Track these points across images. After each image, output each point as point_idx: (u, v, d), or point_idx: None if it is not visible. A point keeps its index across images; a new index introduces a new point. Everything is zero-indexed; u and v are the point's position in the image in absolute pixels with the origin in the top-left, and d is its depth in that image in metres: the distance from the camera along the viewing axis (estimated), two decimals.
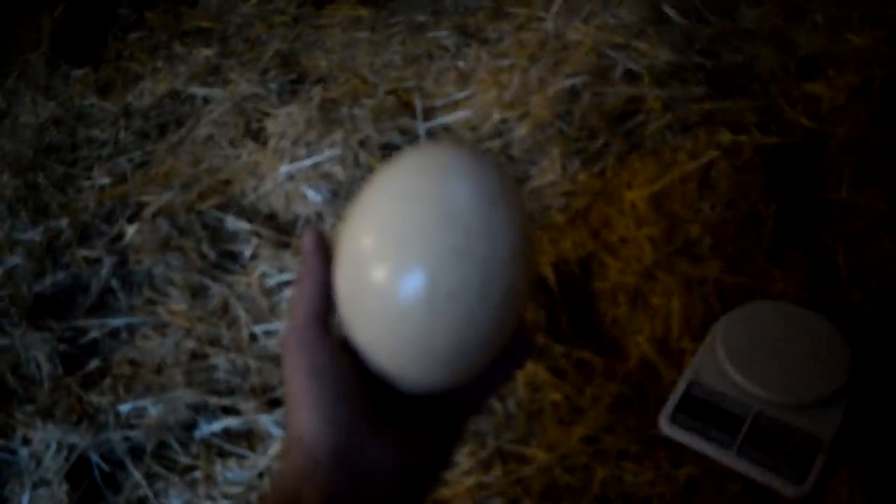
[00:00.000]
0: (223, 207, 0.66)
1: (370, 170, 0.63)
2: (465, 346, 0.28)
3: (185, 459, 0.50)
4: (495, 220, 0.28)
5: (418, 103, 0.73)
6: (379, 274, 0.28)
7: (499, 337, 0.29)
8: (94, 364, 0.55)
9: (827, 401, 0.47)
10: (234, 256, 0.62)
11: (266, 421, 0.50)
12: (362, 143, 0.69)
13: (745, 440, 0.46)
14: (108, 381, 0.54)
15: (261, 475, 0.48)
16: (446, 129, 0.70)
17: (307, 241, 0.31)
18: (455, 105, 0.72)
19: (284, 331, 0.30)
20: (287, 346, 0.29)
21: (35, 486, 0.48)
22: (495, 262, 0.28)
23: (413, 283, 0.28)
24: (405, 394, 0.30)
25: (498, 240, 0.28)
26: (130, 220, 0.65)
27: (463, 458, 0.48)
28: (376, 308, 0.28)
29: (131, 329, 0.57)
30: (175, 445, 0.50)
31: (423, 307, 0.27)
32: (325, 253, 0.30)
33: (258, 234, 0.63)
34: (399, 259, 0.28)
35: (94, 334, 0.57)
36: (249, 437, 0.50)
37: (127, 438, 0.51)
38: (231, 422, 0.51)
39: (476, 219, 0.28)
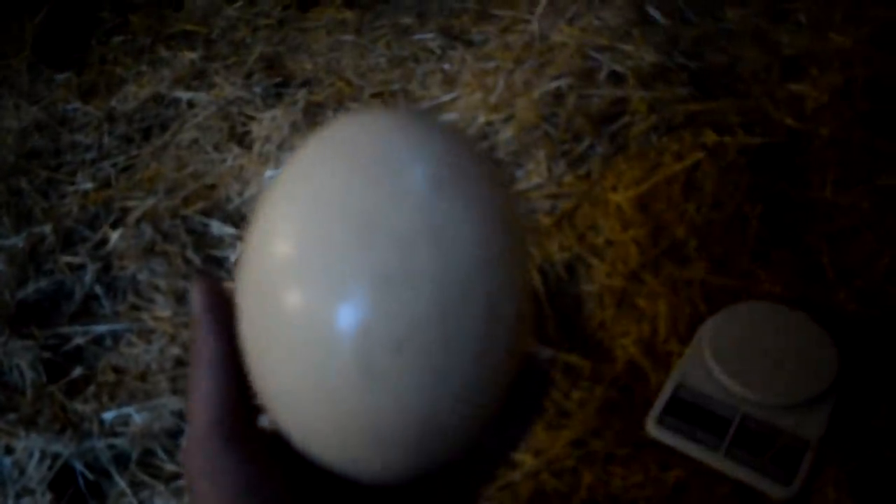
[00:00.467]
0: (208, 212, 0.65)
1: None
2: (432, 419, 0.19)
3: (170, 467, 0.49)
4: (452, 218, 0.19)
5: (403, 105, 0.73)
6: (284, 324, 0.19)
7: (488, 389, 0.20)
8: (77, 371, 0.55)
9: (814, 401, 0.47)
10: (219, 262, 0.62)
11: None
12: None
13: (732, 442, 0.46)
14: (92, 389, 0.54)
15: None
16: None
17: (195, 299, 0.23)
18: (440, 107, 0.72)
19: (185, 440, 0.24)
20: (186, 466, 0.21)
21: (18, 496, 0.48)
22: (458, 283, 0.19)
23: (333, 337, 0.19)
24: (371, 487, 0.22)
25: (459, 248, 0.19)
26: (114, 226, 0.65)
27: None
28: (289, 375, 0.20)
29: (115, 336, 0.57)
30: (160, 453, 0.50)
31: (353, 371, 0.19)
32: (224, 313, 0.22)
33: (243, 240, 0.62)
34: (307, 299, 0.19)
35: (77, 341, 0.57)
36: None
37: (111, 446, 0.50)
38: None
39: (422, 221, 0.19)
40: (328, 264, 0.19)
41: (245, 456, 0.21)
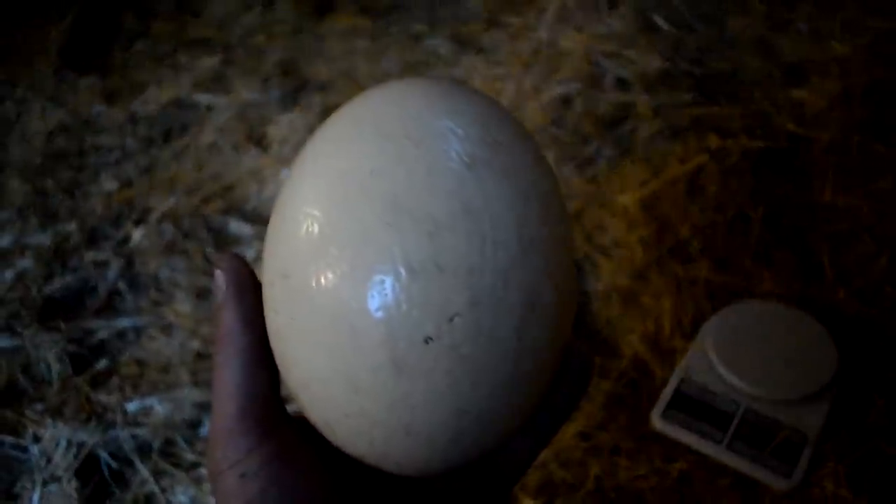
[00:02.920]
0: (227, 211, 0.67)
1: None
2: (464, 412, 0.18)
3: (191, 456, 0.50)
4: (488, 199, 0.17)
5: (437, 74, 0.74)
6: (310, 312, 0.18)
7: (523, 383, 0.19)
8: (102, 364, 0.56)
9: (813, 397, 0.49)
10: None
11: None
12: None
13: (734, 435, 0.47)
14: (115, 381, 0.55)
15: None
16: None
17: (220, 280, 0.21)
18: None
19: (209, 431, 0.21)
20: (210, 457, 0.20)
21: (45, 483, 0.49)
22: (493, 271, 0.17)
23: (362, 326, 0.17)
24: (402, 479, 0.21)
25: (496, 232, 0.17)
26: (137, 224, 0.66)
27: None
28: (316, 365, 0.19)
29: (138, 330, 0.58)
30: (181, 443, 0.51)
31: (383, 361, 0.17)
32: (251, 297, 0.21)
33: (261, 238, 0.64)
34: (334, 287, 0.18)
35: (101, 335, 0.58)
36: None
37: (134, 436, 0.51)
38: None
39: (456, 202, 0.17)
40: (356, 250, 0.18)
41: (274, 447, 0.20)
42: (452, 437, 0.18)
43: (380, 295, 0.17)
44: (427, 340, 0.17)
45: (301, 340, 0.19)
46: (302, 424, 0.21)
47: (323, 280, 0.18)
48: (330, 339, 0.18)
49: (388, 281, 0.17)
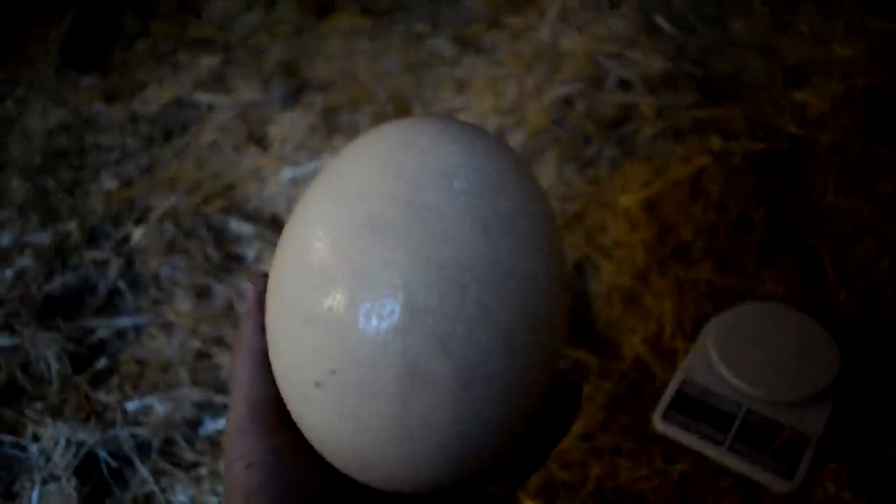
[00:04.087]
0: (227, 211, 0.67)
1: None
2: (462, 430, 0.19)
3: (190, 456, 0.50)
4: (495, 239, 0.19)
5: (417, 110, 0.74)
6: (304, 326, 0.19)
7: (522, 400, 0.20)
8: (101, 363, 0.56)
9: (815, 398, 0.49)
10: (238, 258, 0.63)
11: None
12: None
13: (736, 437, 0.47)
14: (115, 380, 0.55)
15: None
16: None
17: (248, 293, 0.24)
18: (453, 112, 0.74)
19: (225, 428, 0.24)
20: (224, 451, 0.23)
21: (45, 482, 0.49)
22: (495, 297, 0.18)
23: (358, 346, 0.18)
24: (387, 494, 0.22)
25: (500, 262, 0.18)
26: (137, 223, 0.66)
27: None
28: (308, 382, 0.19)
29: (138, 329, 0.58)
30: (181, 442, 0.51)
31: (386, 382, 0.18)
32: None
33: (262, 237, 0.64)
34: (329, 306, 0.18)
35: (101, 334, 0.58)
36: None
37: (134, 435, 0.51)
38: None
39: (461, 231, 0.18)
40: (357, 272, 0.18)
41: (276, 444, 0.22)
42: (446, 455, 0.19)
43: (383, 316, 0.18)
44: (423, 360, 0.18)
45: (293, 354, 0.20)
46: None
47: (316, 300, 0.19)
48: (322, 357, 0.19)
49: (388, 303, 0.18)
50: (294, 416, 0.21)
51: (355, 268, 0.18)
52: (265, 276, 0.24)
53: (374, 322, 0.18)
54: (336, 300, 0.19)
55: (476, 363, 0.18)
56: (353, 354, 0.18)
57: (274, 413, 0.22)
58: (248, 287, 0.24)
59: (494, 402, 0.19)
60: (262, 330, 0.23)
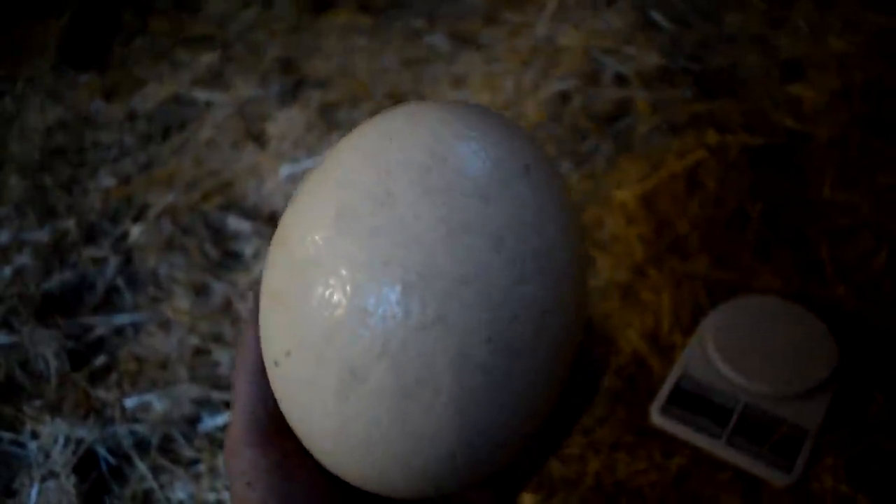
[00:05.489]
0: (225, 208, 0.67)
1: None
2: (475, 438, 0.18)
3: (189, 453, 0.50)
4: (508, 223, 0.17)
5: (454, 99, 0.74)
6: (301, 329, 0.18)
7: (538, 400, 0.18)
8: (100, 360, 0.56)
9: (813, 392, 0.49)
10: (236, 256, 0.63)
11: None
12: None
13: (734, 430, 0.47)
14: (114, 377, 0.55)
15: None
16: None
17: (252, 299, 0.24)
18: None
19: (226, 442, 0.24)
20: (227, 466, 0.23)
21: (44, 479, 0.49)
22: (508, 298, 0.17)
23: (358, 350, 0.17)
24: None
25: (514, 257, 0.17)
26: (135, 221, 0.66)
27: None
28: (305, 389, 0.18)
29: (136, 326, 0.58)
30: (180, 439, 0.51)
31: (382, 388, 0.17)
32: None
33: (260, 234, 0.64)
34: (326, 305, 0.17)
35: (100, 331, 0.58)
36: None
37: (133, 432, 0.51)
38: None
39: (472, 224, 0.17)
40: (355, 279, 0.17)
41: (276, 458, 0.21)
42: (458, 462, 0.18)
43: (380, 316, 0.17)
44: (419, 381, 0.17)
45: (287, 361, 0.19)
46: None
47: (318, 303, 0.18)
48: (318, 361, 0.18)
49: (389, 302, 0.17)
50: (294, 428, 0.21)
51: (351, 274, 0.18)
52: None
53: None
54: (332, 304, 0.18)
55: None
56: (354, 363, 0.17)
57: (273, 424, 0.22)
58: (251, 296, 0.24)
59: (516, 402, 0.18)
60: (258, 340, 0.22)
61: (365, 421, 0.17)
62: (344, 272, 0.17)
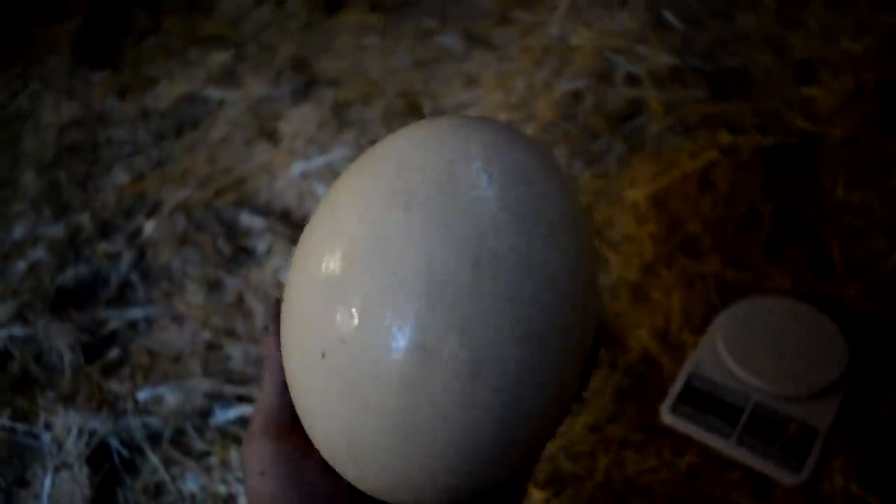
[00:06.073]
0: (238, 204, 0.67)
1: None
2: (488, 450, 0.18)
3: (201, 445, 0.51)
4: (520, 241, 0.18)
5: (426, 105, 0.74)
6: (318, 343, 0.19)
7: (547, 417, 0.19)
8: (113, 353, 0.57)
9: (823, 392, 0.48)
10: (248, 252, 0.64)
11: None
12: (372, 143, 0.71)
13: (744, 430, 0.47)
14: (127, 370, 0.55)
15: None
16: None
17: (274, 306, 0.25)
18: (462, 107, 0.74)
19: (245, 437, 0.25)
20: (244, 459, 0.24)
21: (57, 470, 0.50)
22: (519, 314, 0.17)
23: (379, 362, 0.18)
24: None
25: (530, 275, 0.18)
26: (149, 217, 0.67)
27: None
28: (325, 397, 0.19)
29: (150, 320, 0.59)
30: (191, 432, 0.51)
31: (400, 403, 0.17)
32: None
33: (272, 231, 0.65)
34: (340, 323, 0.18)
35: (113, 325, 0.59)
36: None
37: (145, 425, 0.52)
38: (245, 409, 0.52)
39: (486, 244, 0.18)
40: (371, 287, 0.18)
41: (289, 450, 0.23)
42: (475, 473, 0.18)
43: (398, 332, 0.17)
44: (432, 400, 0.17)
45: (308, 369, 0.20)
46: None
47: (329, 315, 0.19)
48: (338, 371, 0.19)
49: (408, 320, 0.17)
50: (311, 434, 0.22)
51: (369, 290, 0.18)
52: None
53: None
54: (346, 324, 0.19)
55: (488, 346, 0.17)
56: (379, 375, 0.18)
57: (288, 419, 0.23)
58: (274, 303, 0.25)
59: (526, 416, 0.18)
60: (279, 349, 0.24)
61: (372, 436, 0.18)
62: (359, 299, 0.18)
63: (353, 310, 0.18)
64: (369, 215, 0.19)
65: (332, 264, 0.19)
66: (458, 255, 0.17)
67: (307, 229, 0.22)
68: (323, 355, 0.19)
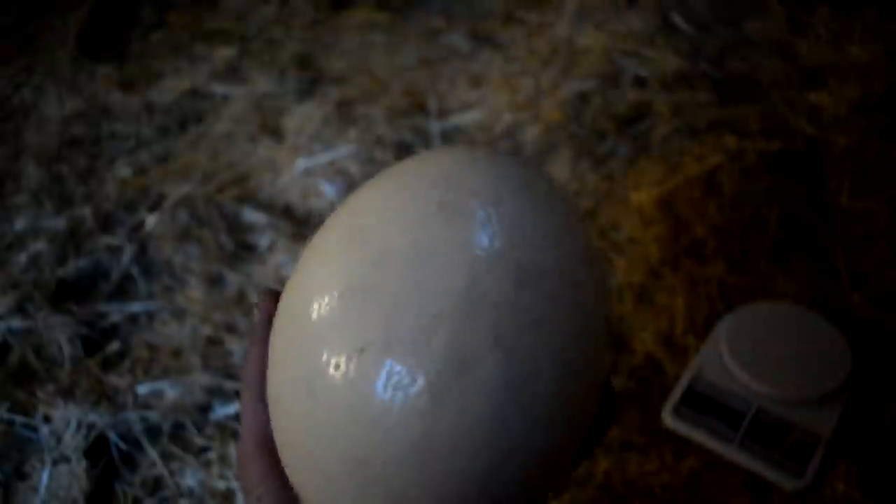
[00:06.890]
0: (241, 200, 0.67)
1: (384, 166, 0.64)
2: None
3: (200, 440, 0.50)
4: (529, 311, 0.17)
5: (432, 104, 0.74)
6: (306, 379, 0.18)
7: (554, 463, 0.18)
8: (113, 347, 0.56)
9: (826, 398, 0.48)
10: (250, 247, 0.64)
11: None
12: (377, 141, 0.71)
13: (746, 434, 0.47)
14: (127, 364, 0.55)
15: None
16: (459, 129, 0.72)
17: (258, 318, 0.24)
18: (467, 107, 0.74)
19: (236, 457, 0.25)
20: (239, 482, 0.24)
21: (55, 463, 0.49)
22: (522, 361, 0.17)
23: (368, 407, 0.17)
24: None
25: (527, 333, 0.17)
26: (151, 211, 0.67)
27: None
28: (311, 443, 0.18)
29: (150, 314, 0.59)
30: (191, 427, 0.51)
31: (399, 448, 0.16)
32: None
33: (275, 227, 0.64)
34: (331, 363, 0.17)
35: (114, 319, 0.58)
36: None
37: (144, 419, 0.52)
38: None
39: (481, 287, 0.17)
40: (365, 328, 0.17)
41: (282, 474, 0.22)
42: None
43: (394, 373, 0.17)
44: (424, 434, 0.17)
45: (293, 411, 0.19)
46: None
47: (318, 355, 0.18)
48: (327, 417, 0.18)
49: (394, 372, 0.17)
50: (284, 462, 0.20)
51: (364, 330, 0.19)
52: (274, 294, 0.23)
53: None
54: (338, 364, 0.18)
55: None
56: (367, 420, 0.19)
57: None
58: (259, 309, 0.24)
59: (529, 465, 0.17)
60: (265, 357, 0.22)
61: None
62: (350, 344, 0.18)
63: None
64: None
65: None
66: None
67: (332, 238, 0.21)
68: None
